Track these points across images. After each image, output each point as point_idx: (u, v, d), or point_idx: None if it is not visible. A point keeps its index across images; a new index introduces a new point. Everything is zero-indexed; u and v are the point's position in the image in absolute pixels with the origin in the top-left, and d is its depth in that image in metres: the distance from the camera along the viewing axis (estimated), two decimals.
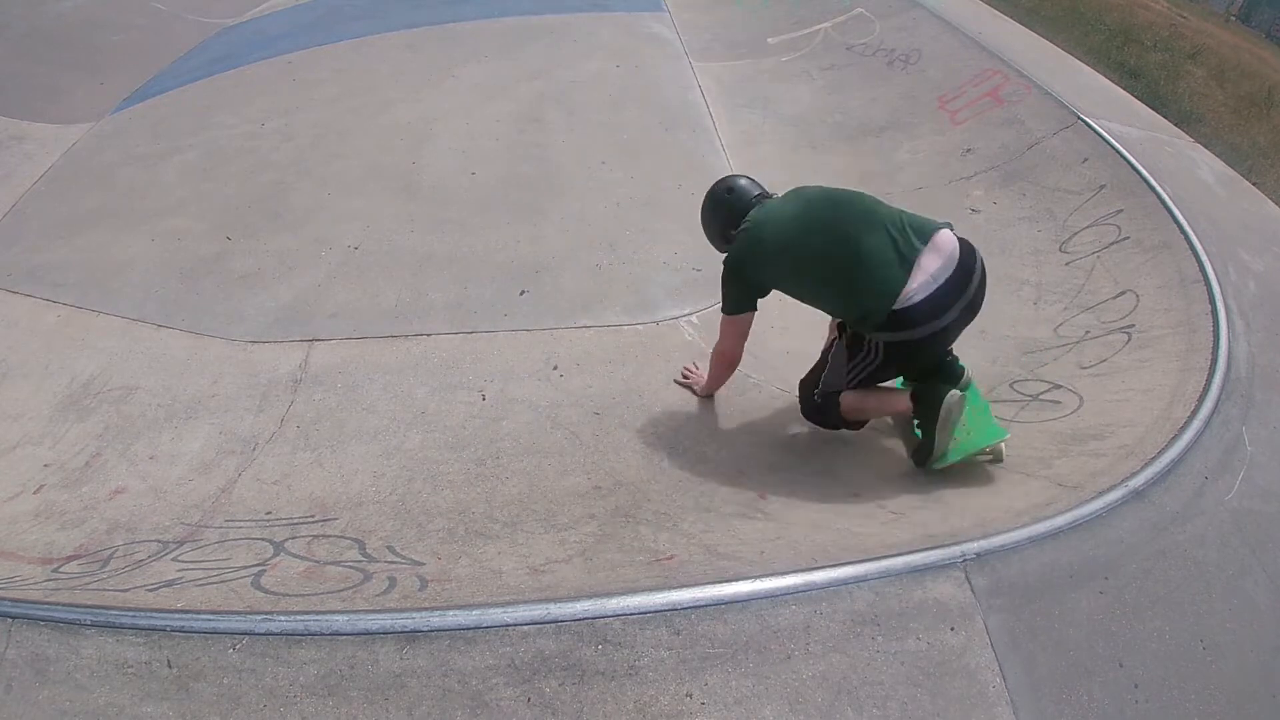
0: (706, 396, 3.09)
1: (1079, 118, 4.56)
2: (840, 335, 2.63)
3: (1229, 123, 6.81)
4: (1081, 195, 4.10)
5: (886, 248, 2.35)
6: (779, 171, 4.30)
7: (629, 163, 4.92)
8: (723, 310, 2.72)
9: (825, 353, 2.72)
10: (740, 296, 2.63)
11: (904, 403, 2.59)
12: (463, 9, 7.48)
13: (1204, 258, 3.36)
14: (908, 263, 2.34)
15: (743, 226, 2.58)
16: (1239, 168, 5.08)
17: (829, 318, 2.84)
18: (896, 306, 2.32)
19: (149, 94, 6.24)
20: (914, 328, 2.36)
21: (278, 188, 4.68)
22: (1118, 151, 4.20)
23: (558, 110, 5.47)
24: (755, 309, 2.66)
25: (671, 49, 6.78)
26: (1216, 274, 3.26)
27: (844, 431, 2.86)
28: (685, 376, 3.21)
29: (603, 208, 4.48)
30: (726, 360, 2.86)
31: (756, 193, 2.70)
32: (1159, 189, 3.84)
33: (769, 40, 6.95)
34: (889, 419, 2.91)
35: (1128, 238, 3.68)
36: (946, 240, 2.42)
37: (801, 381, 2.81)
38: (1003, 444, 2.59)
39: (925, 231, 2.41)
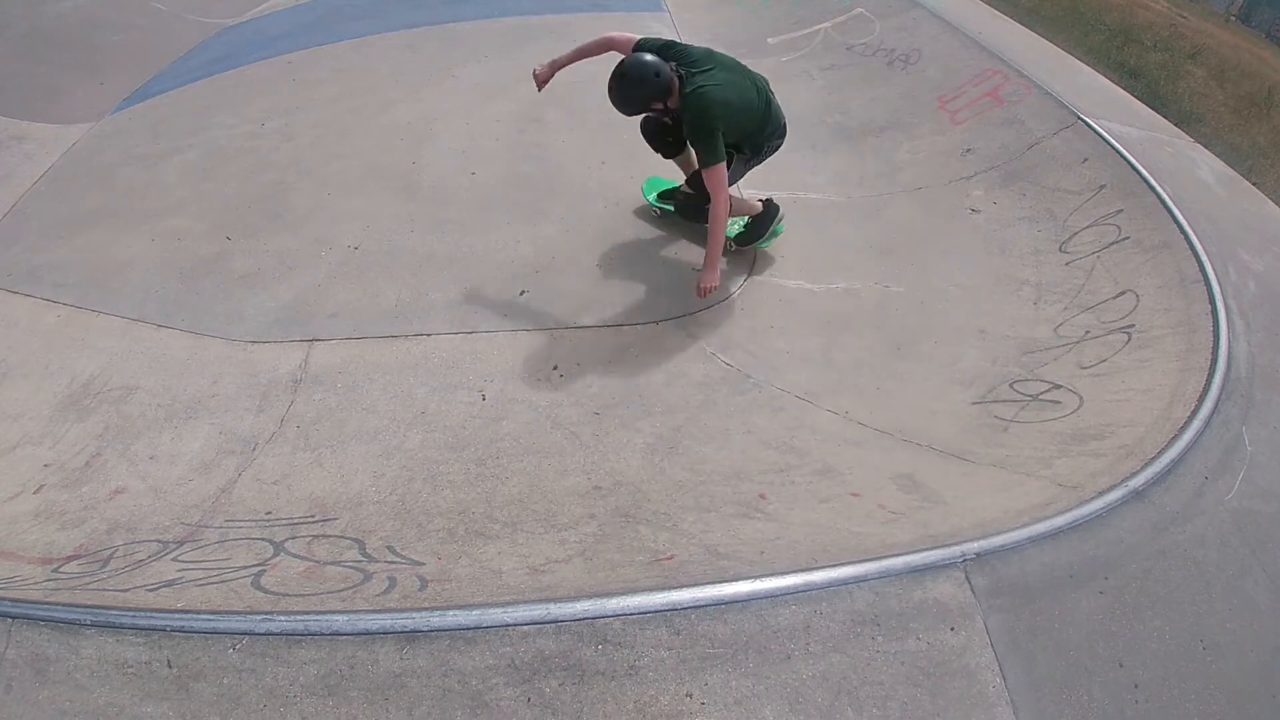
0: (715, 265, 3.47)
1: (1079, 118, 4.56)
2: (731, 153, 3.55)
3: (1229, 123, 6.81)
4: (1081, 195, 4.10)
5: (767, 94, 3.60)
6: (779, 172, 4.31)
7: (629, 163, 4.92)
8: (710, 162, 3.30)
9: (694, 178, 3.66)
10: (719, 144, 3.30)
11: (755, 205, 3.97)
12: (463, 9, 7.48)
13: (1204, 258, 3.36)
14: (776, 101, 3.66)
15: (695, 89, 3.28)
16: (1239, 168, 5.08)
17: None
18: (778, 126, 3.68)
19: (149, 94, 6.24)
20: (782, 139, 3.75)
21: (278, 188, 4.68)
22: (1118, 152, 4.20)
23: (558, 110, 5.47)
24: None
25: None
26: (1216, 274, 3.26)
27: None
28: (706, 290, 3.48)
29: (603, 208, 4.48)
30: (727, 208, 3.43)
31: (670, 65, 3.34)
32: (1159, 189, 3.84)
33: (769, 40, 6.95)
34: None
35: (1128, 238, 3.68)
36: None
37: (683, 193, 3.88)
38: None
39: (766, 83, 3.65)
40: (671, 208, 4.11)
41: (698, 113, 3.29)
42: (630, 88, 3.34)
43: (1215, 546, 2.23)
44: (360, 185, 4.69)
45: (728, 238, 3.82)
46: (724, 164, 3.33)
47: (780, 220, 4.01)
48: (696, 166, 3.49)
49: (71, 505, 2.67)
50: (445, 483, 2.65)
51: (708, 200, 3.39)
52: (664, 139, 3.81)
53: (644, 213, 4.44)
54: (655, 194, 4.30)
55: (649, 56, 3.35)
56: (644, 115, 3.63)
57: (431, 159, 4.93)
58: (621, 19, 7.36)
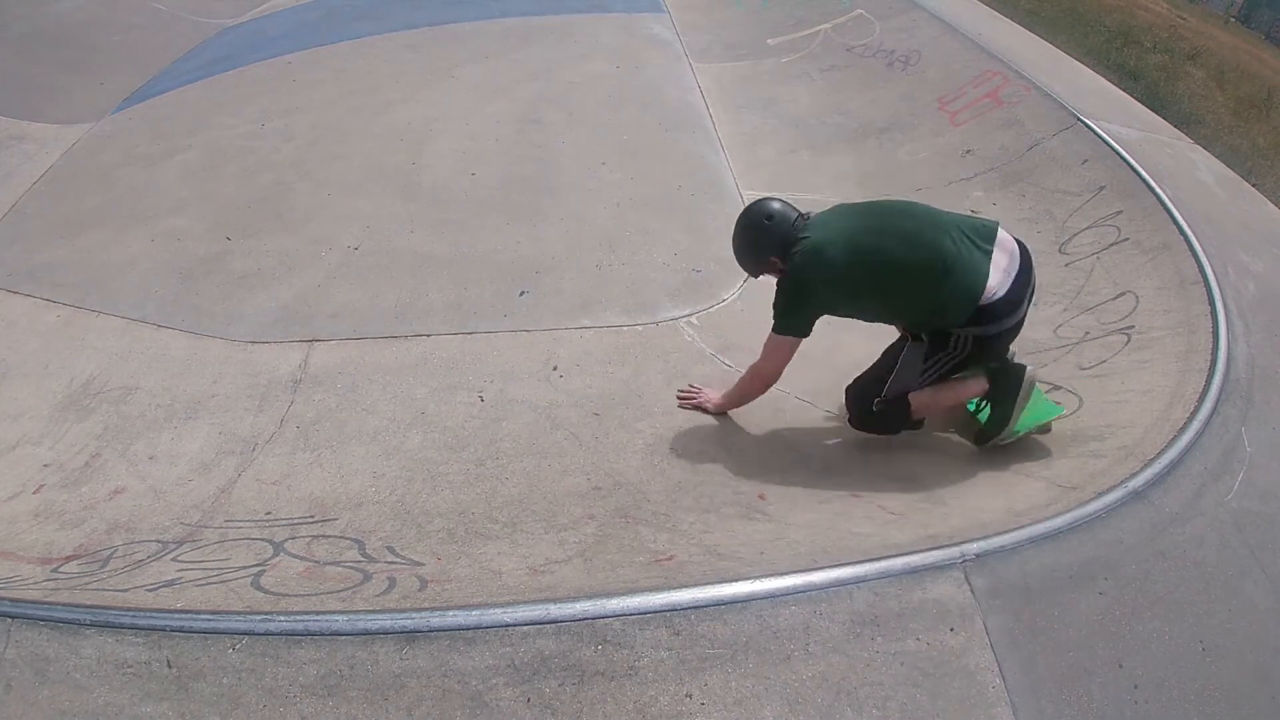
0: (719, 412, 2.99)
1: (1079, 119, 4.56)
2: (911, 338, 2.68)
3: (1228, 124, 6.82)
4: (1081, 196, 4.10)
5: (966, 247, 2.47)
6: (779, 172, 4.31)
7: (629, 163, 4.92)
8: (776, 330, 2.66)
9: (888, 358, 2.73)
10: (800, 318, 2.63)
11: (980, 386, 2.69)
12: (463, 10, 7.48)
13: (1203, 259, 3.36)
14: (987, 261, 2.48)
15: (801, 246, 2.56)
16: (1238, 169, 5.09)
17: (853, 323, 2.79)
18: (983, 302, 2.45)
19: (149, 94, 6.24)
20: (1001, 320, 2.50)
21: (278, 188, 4.68)
22: (1117, 153, 4.21)
23: (558, 111, 5.48)
24: (809, 334, 2.66)
25: (671, 50, 6.78)
26: (1216, 275, 3.26)
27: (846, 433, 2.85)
28: (687, 397, 3.05)
29: (603, 208, 4.48)
30: (766, 382, 2.80)
31: (796, 214, 2.68)
32: (1158, 190, 3.84)
33: (769, 41, 6.95)
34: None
35: (1127, 239, 3.69)
36: (1007, 238, 2.59)
37: (852, 391, 2.79)
38: (1054, 420, 2.75)
39: (988, 230, 2.56)
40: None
41: (792, 270, 2.60)
42: (742, 238, 2.75)
43: (1214, 547, 2.23)
44: (360, 185, 4.69)
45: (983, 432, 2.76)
46: (794, 338, 2.65)
47: (1034, 384, 2.66)
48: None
49: (71, 505, 2.67)
50: (445, 483, 2.65)
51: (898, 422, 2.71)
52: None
53: (644, 213, 4.44)
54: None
55: (775, 202, 2.72)
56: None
57: (431, 159, 4.93)
58: (621, 19, 7.37)
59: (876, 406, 2.71)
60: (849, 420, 2.85)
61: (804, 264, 2.56)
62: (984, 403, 2.73)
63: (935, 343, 2.61)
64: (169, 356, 3.48)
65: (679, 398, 3.09)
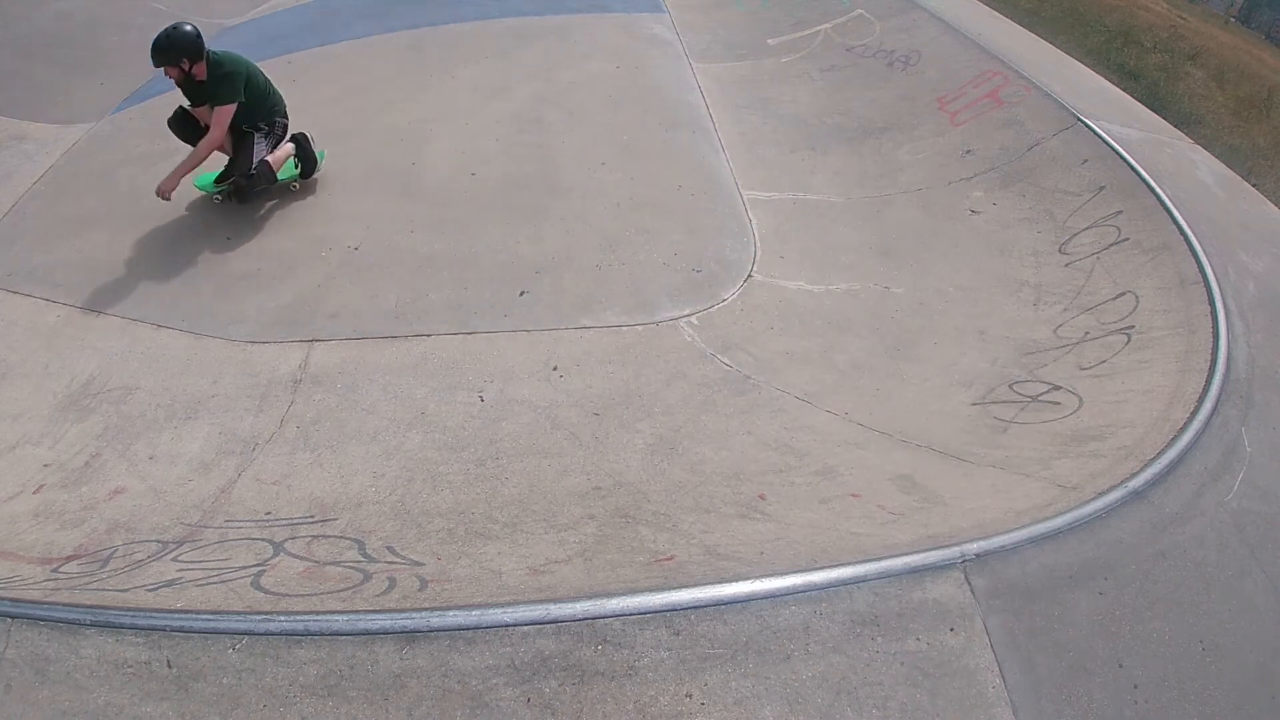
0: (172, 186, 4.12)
1: (1079, 119, 4.56)
2: (250, 132, 4.32)
3: (1228, 124, 6.82)
4: (1081, 197, 4.10)
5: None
6: (779, 172, 4.31)
7: (629, 163, 4.92)
8: (223, 102, 4.08)
9: (239, 149, 4.32)
10: (236, 92, 4.13)
11: (290, 149, 4.56)
12: (463, 10, 7.48)
13: (1203, 259, 3.36)
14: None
15: (220, 54, 4.13)
16: (1238, 169, 5.09)
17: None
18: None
19: (149, 94, 6.23)
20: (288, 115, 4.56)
21: (278, 188, 4.67)
22: (1117, 153, 4.21)
23: (558, 111, 5.48)
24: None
25: (672, 50, 6.78)
26: (1216, 275, 3.27)
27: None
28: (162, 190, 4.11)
29: (603, 208, 4.48)
30: (217, 146, 4.18)
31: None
32: (1159, 190, 3.85)
33: (769, 41, 6.95)
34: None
35: (1127, 239, 3.69)
36: None
37: (224, 178, 4.40)
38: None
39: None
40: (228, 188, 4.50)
41: (226, 68, 4.14)
42: (178, 43, 3.99)
43: (1214, 547, 2.23)
44: (360, 185, 4.69)
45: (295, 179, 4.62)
46: (234, 104, 4.13)
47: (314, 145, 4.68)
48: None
49: (71, 505, 2.67)
50: (445, 483, 2.65)
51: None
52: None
53: (644, 213, 4.44)
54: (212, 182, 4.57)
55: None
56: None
57: (431, 159, 4.93)
58: (621, 19, 7.37)
59: (254, 171, 4.30)
60: (237, 198, 4.44)
61: (234, 67, 4.13)
62: (296, 161, 4.58)
63: (260, 130, 4.38)
64: (169, 356, 3.48)
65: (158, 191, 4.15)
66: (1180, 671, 1.92)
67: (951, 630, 1.83)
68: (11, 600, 1.83)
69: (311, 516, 2.51)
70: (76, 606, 1.79)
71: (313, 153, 4.61)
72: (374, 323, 3.64)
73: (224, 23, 7.98)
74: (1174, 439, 2.48)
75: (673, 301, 3.79)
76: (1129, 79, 6.97)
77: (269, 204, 4.54)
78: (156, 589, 2.00)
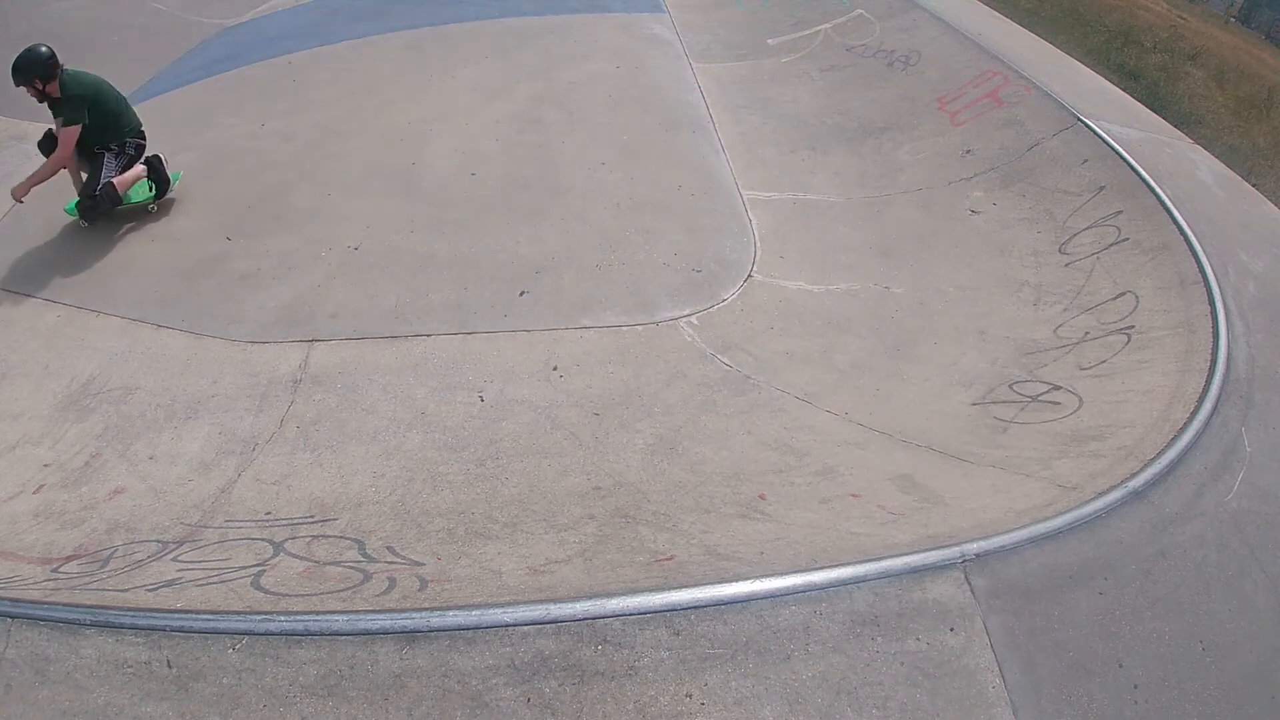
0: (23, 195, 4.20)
1: (1079, 119, 4.56)
2: (102, 153, 4.40)
3: (1228, 124, 6.81)
4: (1081, 197, 4.10)
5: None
6: (779, 172, 4.31)
7: (629, 163, 4.92)
8: (67, 123, 4.16)
9: (91, 170, 4.40)
10: (79, 114, 4.19)
11: (141, 170, 4.56)
12: (463, 10, 7.48)
13: (1203, 259, 3.36)
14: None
15: (70, 76, 4.18)
16: (1238, 169, 5.09)
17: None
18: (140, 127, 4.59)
19: (149, 94, 6.24)
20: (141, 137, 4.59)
21: (278, 188, 4.68)
22: (1118, 153, 4.21)
23: (558, 111, 5.48)
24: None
25: (672, 50, 6.79)
26: (1216, 275, 3.27)
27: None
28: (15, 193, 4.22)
29: (603, 208, 4.48)
30: (63, 165, 4.28)
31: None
32: (1159, 190, 3.85)
33: (769, 41, 6.95)
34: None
35: (1127, 239, 3.69)
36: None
37: (83, 201, 4.37)
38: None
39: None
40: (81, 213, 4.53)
41: (71, 89, 4.20)
42: (33, 63, 4.06)
43: (1214, 547, 2.23)
44: (360, 185, 4.69)
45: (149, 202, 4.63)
46: (79, 125, 4.21)
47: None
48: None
49: (71, 505, 2.67)
50: (445, 483, 2.65)
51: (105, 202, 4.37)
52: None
53: (644, 213, 4.44)
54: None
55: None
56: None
57: (431, 159, 4.94)
58: (621, 19, 7.37)
59: (98, 193, 4.32)
60: (83, 218, 4.43)
61: (81, 87, 4.19)
62: (150, 183, 4.59)
63: (110, 150, 4.44)
64: (169, 356, 3.48)
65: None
66: (1180, 671, 1.92)
67: (951, 630, 1.83)
68: (11, 600, 1.83)
69: (311, 516, 2.52)
70: (76, 606, 1.80)
71: (166, 174, 4.59)
72: (374, 323, 3.64)
73: (224, 23, 7.98)
74: (1174, 439, 2.48)
75: (673, 301, 3.79)
76: (1129, 79, 6.97)
77: (269, 204, 4.54)
78: (156, 589, 2.00)
